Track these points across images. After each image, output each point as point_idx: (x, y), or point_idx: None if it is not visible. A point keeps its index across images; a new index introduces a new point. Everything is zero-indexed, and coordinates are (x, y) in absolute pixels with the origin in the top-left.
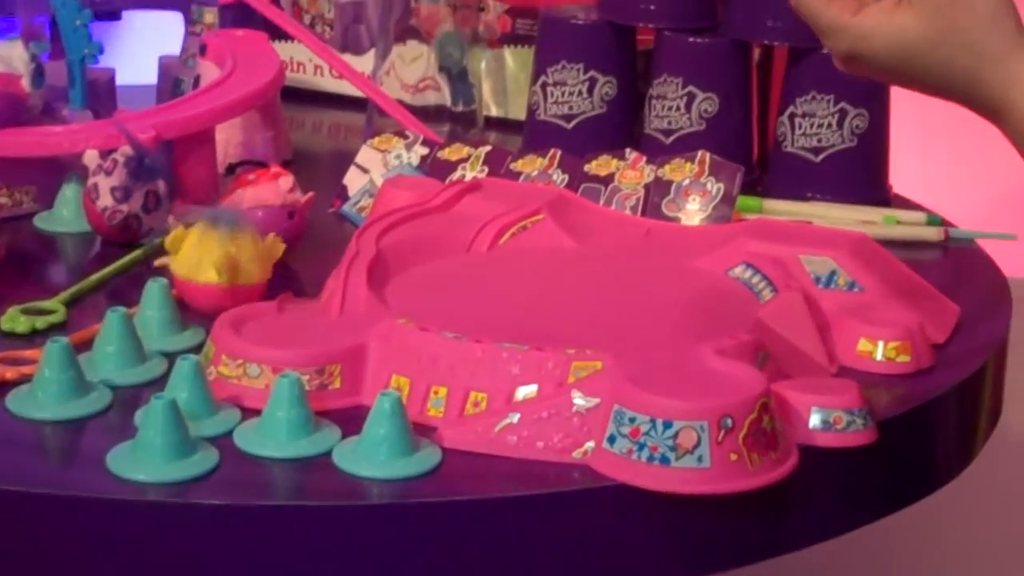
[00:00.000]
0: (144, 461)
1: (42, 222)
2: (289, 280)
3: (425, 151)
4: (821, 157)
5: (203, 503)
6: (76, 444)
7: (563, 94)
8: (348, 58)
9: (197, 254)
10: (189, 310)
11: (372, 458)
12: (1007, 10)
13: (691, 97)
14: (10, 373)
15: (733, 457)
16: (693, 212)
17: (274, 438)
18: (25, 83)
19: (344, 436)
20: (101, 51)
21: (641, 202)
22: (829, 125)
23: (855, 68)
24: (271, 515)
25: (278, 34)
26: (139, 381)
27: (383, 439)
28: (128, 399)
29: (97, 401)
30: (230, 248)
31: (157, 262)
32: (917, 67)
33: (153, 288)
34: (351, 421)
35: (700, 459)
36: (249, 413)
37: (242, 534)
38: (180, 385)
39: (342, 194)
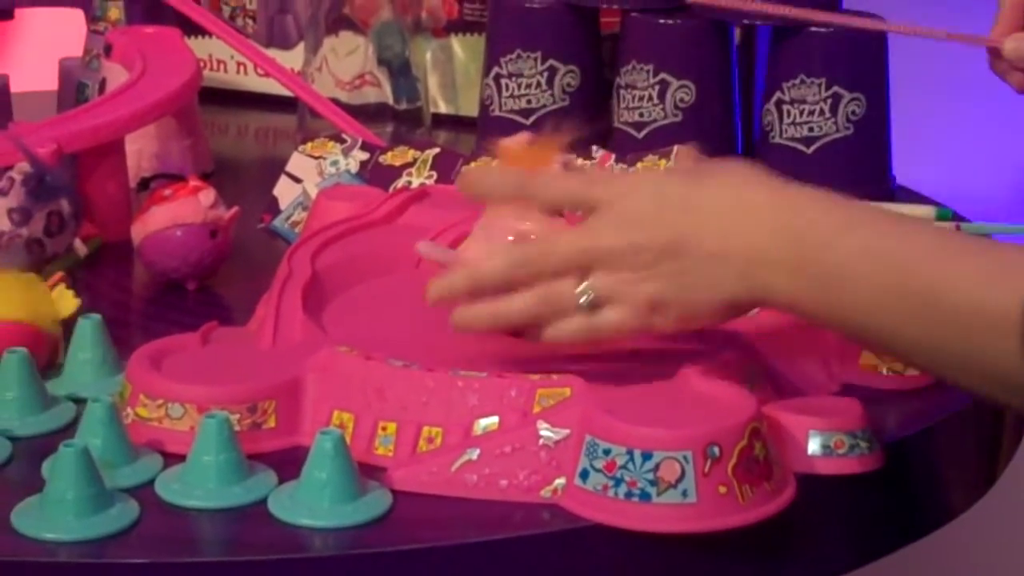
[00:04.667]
0: (54, 518)
1: None
2: (214, 308)
3: (365, 156)
4: (813, 148)
5: (123, 562)
6: None
7: (520, 86)
8: (274, 53)
9: None
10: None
11: (313, 505)
12: None
13: (664, 85)
14: None
15: (722, 490)
16: None
17: (201, 486)
18: None
19: (281, 481)
20: None
21: None
22: (821, 112)
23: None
24: (200, 573)
25: (193, 29)
26: (44, 430)
27: (325, 483)
28: (32, 450)
29: None
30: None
31: None
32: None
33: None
34: (288, 464)
35: (685, 493)
36: (172, 459)
37: None
38: (92, 431)
39: (272, 208)
